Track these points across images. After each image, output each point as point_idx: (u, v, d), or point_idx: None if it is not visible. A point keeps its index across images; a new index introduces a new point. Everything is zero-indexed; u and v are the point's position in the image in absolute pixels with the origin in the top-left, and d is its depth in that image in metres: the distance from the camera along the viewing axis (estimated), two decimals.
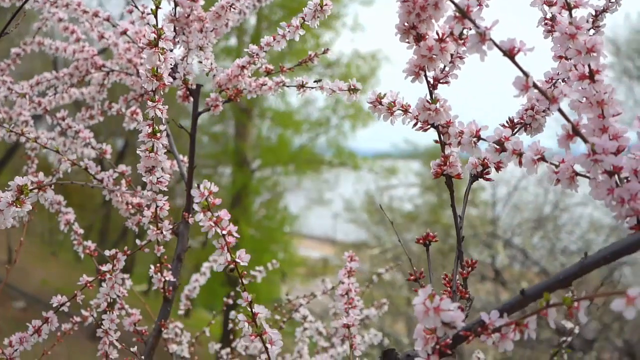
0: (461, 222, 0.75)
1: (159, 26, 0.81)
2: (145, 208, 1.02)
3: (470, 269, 0.73)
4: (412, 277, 0.71)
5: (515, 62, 0.59)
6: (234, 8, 1.05)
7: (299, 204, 12.28)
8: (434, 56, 0.68)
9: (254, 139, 11.69)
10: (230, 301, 1.59)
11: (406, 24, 0.68)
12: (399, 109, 0.75)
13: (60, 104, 1.42)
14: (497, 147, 0.68)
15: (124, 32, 1.17)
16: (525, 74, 0.59)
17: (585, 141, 0.59)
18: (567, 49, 0.63)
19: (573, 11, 0.65)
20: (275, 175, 11.94)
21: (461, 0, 0.60)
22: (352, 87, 0.98)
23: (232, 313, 1.23)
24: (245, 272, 0.75)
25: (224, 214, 0.72)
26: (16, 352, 1.00)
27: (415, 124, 0.74)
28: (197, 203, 0.71)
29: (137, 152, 0.91)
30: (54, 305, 1.03)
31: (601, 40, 0.61)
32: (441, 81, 0.72)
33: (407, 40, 0.69)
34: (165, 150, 1.21)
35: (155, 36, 0.81)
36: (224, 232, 0.72)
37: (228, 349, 1.51)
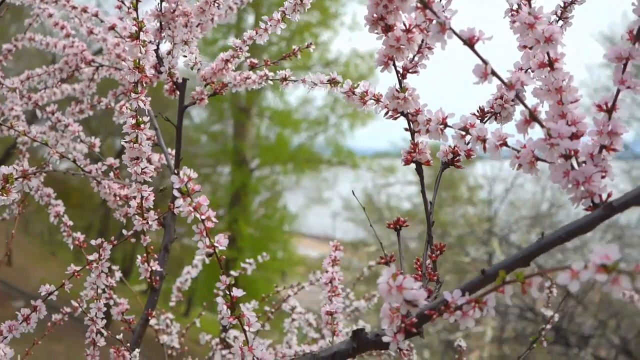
0: (431, 208, 0.78)
1: (140, 19, 0.84)
2: (132, 199, 1.04)
3: (439, 252, 0.75)
4: (382, 261, 0.73)
5: (475, 50, 0.61)
6: (218, 3, 1.08)
7: (297, 203, 12.30)
8: (401, 46, 0.70)
9: (252, 138, 11.72)
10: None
11: (375, 15, 0.70)
12: (371, 99, 0.78)
13: (52, 99, 1.44)
14: (463, 133, 0.70)
15: (112, 28, 1.20)
16: (484, 61, 0.61)
17: (542, 126, 0.62)
18: (527, 38, 0.66)
19: (534, 1, 0.67)
20: (274, 174, 11.97)
21: None
22: (332, 80, 1.01)
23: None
24: (224, 257, 0.78)
25: (203, 200, 0.75)
26: (5, 340, 1.02)
27: (387, 113, 0.77)
28: (176, 189, 0.73)
29: (122, 143, 0.94)
30: (42, 294, 1.06)
31: (559, 30, 0.64)
32: (410, 71, 0.75)
33: (376, 31, 0.71)
34: (153, 144, 1.24)
35: (137, 29, 0.84)
36: (203, 217, 0.74)
37: (217, 339, 1.54)
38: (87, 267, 1.08)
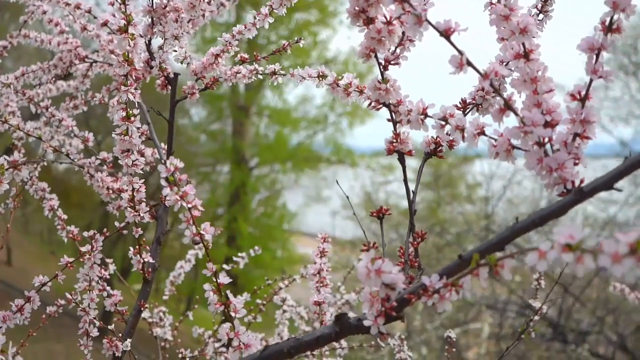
0: (414, 197, 0.79)
1: (128, 12, 0.86)
2: (124, 191, 1.06)
3: (420, 239, 0.77)
4: (365, 248, 0.75)
5: (451, 41, 0.63)
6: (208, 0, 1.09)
7: (297, 202, 12.32)
8: (382, 38, 0.72)
9: (251, 137, 11.74)
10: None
11: (356, 8, 0.72)
12: (354, 90, 0.79)
13: (48, 95, 1.46)
14: (443, 123, 0.72)
15: (105, 24, 1.22)
16: (460, 52, 0.63)
17: (516, 114, 0.64)
18: (503, 30, 0.67)
19: None
20: (273, 172, 11.99)
21: None
22: (320, 73, 1.02)
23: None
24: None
25: (190, 189, 0.77)
26: (0, 329, 1.04)
27: (370, 104, 0.79)
28: (163, 178, 0.75)
29: (113, 135, 0.96)
30: (36, 285, 1.08)
31: (533, 21, 0.66)
32: (392, 62, 0.76)
33: (358, 24, 0.73)
34: (146, 138, 1.26)
35: (125, 22, 0.85)
36: (190, 205, 0.76)
37: (210, 332, 1.56)
38: (80, 259, 1.10)
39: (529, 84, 0.66)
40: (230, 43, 1.11)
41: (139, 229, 1.10)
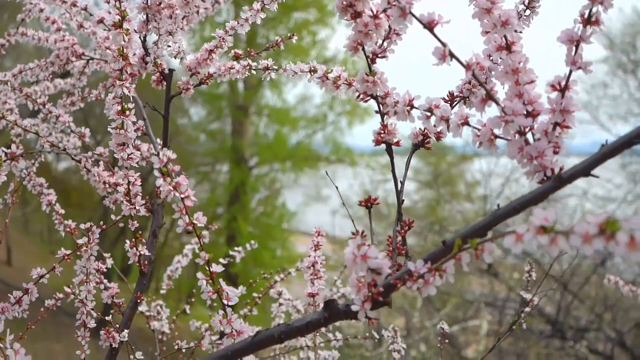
0: (401, 187, 0.81)
1: (123, 8, 0.88)
2: (120, 185, 1.08)
3: (407, 228, 0.79)
4: (353, 237, 0.77)
5: (434, 33, 0.65)
6: None
7: (296, 201, 12.33)
8: (369, 32, 0.74)
9: (251, 136, 11.75)
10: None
11: (344, 2, 0.74)
12: (343, 83, 0.81)
13: (45, 93, 1.48)
14: (428, 114, 0.74)
15: (101, 21, 1.24)
16: (443, 44, 0.65)
17: (498, 104, 0.66)
18: (486, 23, 0.69)
19: None
20: (272, 172, 12.00)
21: None
22: (312, 68, 1.04)
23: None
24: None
25: (182, 180, 0.79)
26: None
27: (358, 96, 0.80)
28: (156, 169, 0.77)
29: (109, 129, 0.97)
30: (34, 277, 1.10)
31: (514, 14, 0.68)
32: (379, 56, 0.78)
33: (345, 18, 0.75)
34: (142, 134, 1.28)
35: (120, 17, 0.87)
36: (183, 195, 0.78)
37: (207, 325, 1.58)
38: (77, 251, 1.12)
39: (510, 75, 0.68)
40: (223, 39, 1.13)
41: (135, 221, 1.12)
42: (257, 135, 11.83)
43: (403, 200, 0.80)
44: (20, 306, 1.08)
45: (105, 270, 1.21)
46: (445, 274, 0.64)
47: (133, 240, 1.14)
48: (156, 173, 0.77)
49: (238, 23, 1.11)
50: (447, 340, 1.33)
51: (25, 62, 1.48)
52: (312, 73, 1.04)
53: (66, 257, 1.10)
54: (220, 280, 0.80)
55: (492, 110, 0.74)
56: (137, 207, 1.08)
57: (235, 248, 1.59)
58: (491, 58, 0.83)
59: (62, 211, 1.30)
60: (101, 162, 1.23)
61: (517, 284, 6.62)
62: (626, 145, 0.59)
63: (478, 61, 0.66)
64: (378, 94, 0.78)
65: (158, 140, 1.34)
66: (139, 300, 1.18)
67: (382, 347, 5.40)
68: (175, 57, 1.14)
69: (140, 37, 1.11)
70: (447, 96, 0.86)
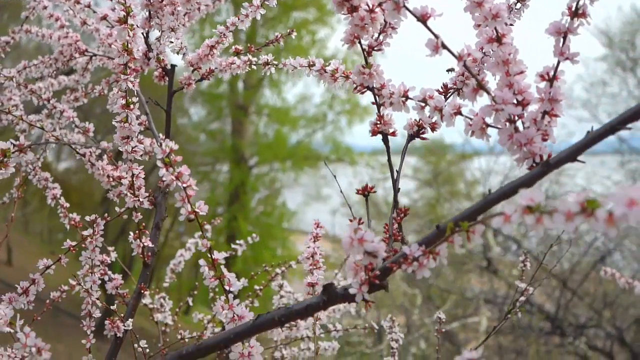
0: (397, 176, 0.84)
1: (128, 4, 0.90)
2: (124, 178, 1.11)
3: (403, 215, 0.82)
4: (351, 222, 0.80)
5: (427, 26, 0.68)
6: None
7: (296, 200, 12.36)
8: (366, 25, 0.77)
9: (251, 136, 11.79)
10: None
11: None
12: (341, 76, 0.84)
13: (49, 90, 1.51)
14: (422, 104, 0.77)
15: (104, 18, 1.26)
16: (436, 36, 0.68)
17: (488, 93, 0.68)
18: (477, 17, 0.72)
19: None
20: (272, 171, 12.03)
21: None
22: (310, 63, 1.07)
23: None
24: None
25: (185, 170, 0.81)
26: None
27: (356, 88, 0.83)
28: (159, 160, 0.79)
29: (113, 122, 1.00)
30: (40, 268, 1.12)
31: (504, 7, 0.70)
32: (375, 49, 0.81)
33: (342, 12, 0.77)
34: (145, 128, 1.30)
35: (125, 13, 0.90)
36: (185, 185, 0.81)
37: (209, 317, 1.60)
38: (82, 242, 1.14)
39: (501, 66, 0.71)
40: (224, 34, 1.16)
41: (139, 213, 1.14)
42: (257, 135, 11.86)
43: (399, 188, 0.83)
44: (27, 296, 1.11)
45: (109, 262, 1.24)
46: (438, 256, 0.66)
47: (137, 232, 1.17)
48: (159, 163, 0.80)
49: (239, 19, 1.13)
50: (444, 330, 1.36)
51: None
52: (311, 67, 1.06)
53: (72, 248, 1.12)
54: (222, 266, 0.83)
55: (485, 101, 0.77)
56: (141, 199, 1.11)
57: (237, 241, 1.61)
58: (483, 50, 0.86)
59: (67, 204, 1.33)
60: (105, 157, 1.26)
61: (520, 289, 6.65)
62: (610, 132, 0.61)
63: (469, 52, 0.69)
64: (374, 86, 0.81)
65: (160, 135, 1.37)
66: (142, 291, 1.21)
67: (382, 344, 5.43)
68: (177, 53, 1.17)
69: (142, 34, 1.14)
70: (441, 88, 0.89)
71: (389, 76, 0.85)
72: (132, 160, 1.05)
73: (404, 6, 0.66)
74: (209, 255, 0.83)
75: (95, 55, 1.43)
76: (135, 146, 1.04)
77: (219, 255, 0.83)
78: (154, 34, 1.24)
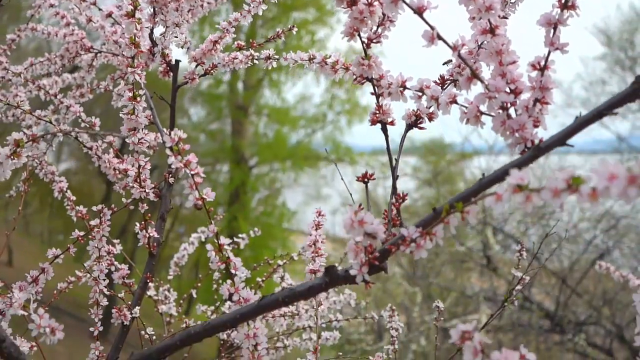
0: (396, 164, 0.87)
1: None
2: (130, 169, 1.14)
3: (402, 200, 0.85)
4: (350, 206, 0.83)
5: (423, 18, 0.71)
6: None
7: (296, 200, 12.38)
8: (364, 19, 0.80)
9: (251, 136, 11.81)
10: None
11: None
12: (341, 67, 0.87)
13: (55, 87, 1.54)
14: (420, 94, 0.80)
15: (109, 15, 1.30)
16: (432, 27, 0.71)
17: (482, 82, 0.72)
18: (471, 9, 0.75)
19: None
20: (272, 171, 12.06)
21: None
22: (311, 56, 1.10)
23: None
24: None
25: (192, 157, 0.85)
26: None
27: (355, 79, 0.86)
28: (168, 147, 0.83)
29: (120, 115, 1.03)
30: (49, 257, 1.16)
31: (497, 0, 0.74)
32: (374, 41, 0.84)
33: (342, 6, 0.81)
34: (149, 122, 1.34)
35: (132, 7, 0.93)
36: (193, 172, 0.84)
37: (212, 307, 1.64)
38: (89, 233, 1.18)
39: (494, 56, 0.74)
40: (227, 30, 1.20)
41: (145, 204, 1.18)
42: (257, 135, 11.89)
43: (398, 176, 0.86)
44: (37, 285, 1.14)
45: (115, 253, 1.27)
46: (435, 237, 0.70)
47: (143, 222, 1.20)
48: (167, 152, 0.83)
49: (241, 14, 1.17)
50: (442, 318, 1.39)
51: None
52: (312, 60, 1.10)
53: (80, 238, 1.16)
54: (228, 250, 0.86)
55: (479, 90, 0.80)
56: (147, 190, 1.14)
57: (240, 235, 1.64)
58: (479, 42, 0.90)
59: (74, 198, 1.37)
60: (111, 150, 1.29)
61: (516, 279, 6.68)
62: (597, 117, 0.65)
63: (464, 42, 0.72)
64: (373, 77, 0.84)
65: (165, 130, 1.40)
66: (148, 280, 1.24)
67: (382, 342, 5.46)
68: (182, 47, 1.20)
69: (148, 30, 1.17)
70: (439, 79, 0.92)
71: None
72: (139, 152, 1.08)
73: None
74: (216, 240, 0.86)
75: (100, 52, 1.46)
76: (142, 138, 1.07)
77: (225, 241, 0.86)
78: (158, 31, 1.28)
